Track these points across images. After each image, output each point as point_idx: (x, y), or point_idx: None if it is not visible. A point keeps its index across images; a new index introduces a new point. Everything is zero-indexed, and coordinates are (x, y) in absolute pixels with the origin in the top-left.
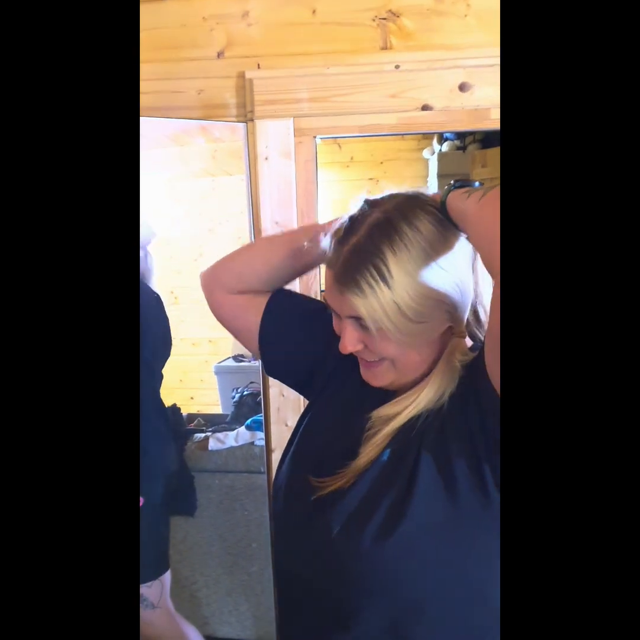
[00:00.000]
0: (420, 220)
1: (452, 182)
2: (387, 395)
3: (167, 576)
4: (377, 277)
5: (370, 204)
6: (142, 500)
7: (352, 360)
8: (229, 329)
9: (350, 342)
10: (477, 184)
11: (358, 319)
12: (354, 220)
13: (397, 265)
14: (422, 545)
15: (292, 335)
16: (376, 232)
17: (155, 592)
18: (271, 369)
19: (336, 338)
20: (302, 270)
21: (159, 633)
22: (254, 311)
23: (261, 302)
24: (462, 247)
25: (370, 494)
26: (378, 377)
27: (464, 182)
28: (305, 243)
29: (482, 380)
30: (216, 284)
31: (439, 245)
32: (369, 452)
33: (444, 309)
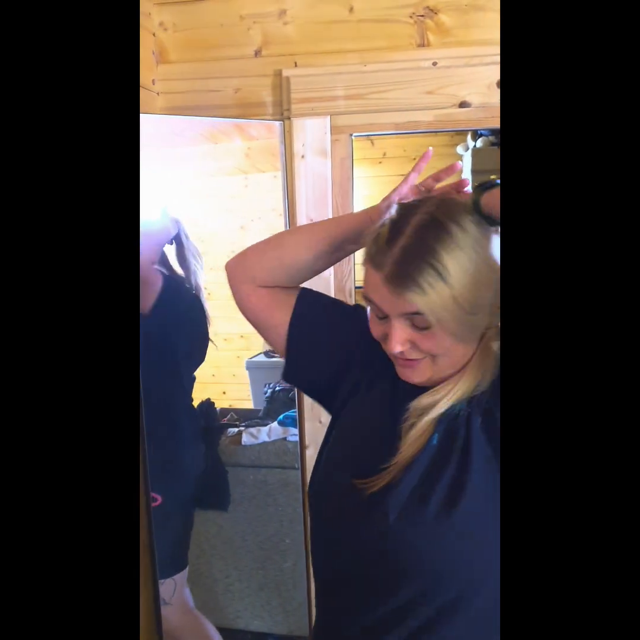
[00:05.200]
0: (463, 219)
1: (477, 184)
2: (421, 391)
3: (182, 575)
4: (435, 276)
5: (403, 208)
6: (159, 499)
7: (381, 362)
8: (254, 322)
9: (399, 341)
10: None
11: (410, 317)
12: (395, 223)
13: (452, 263)
14: (482, 518)
15: (320, 342)
16: (425, 233)
17: (167, 589)
18: (292, 374)
19: (365, 343)
20: (335, 261)
21: (174, 627)
22: (281, 308)
23: (287, 300)
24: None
25: (427, 477)
26: (418, 373)
27: (493, 184)
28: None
29: None
30: (245, 277)
31: (483, 241)
32: (414, 442)
33: (491, 301)
